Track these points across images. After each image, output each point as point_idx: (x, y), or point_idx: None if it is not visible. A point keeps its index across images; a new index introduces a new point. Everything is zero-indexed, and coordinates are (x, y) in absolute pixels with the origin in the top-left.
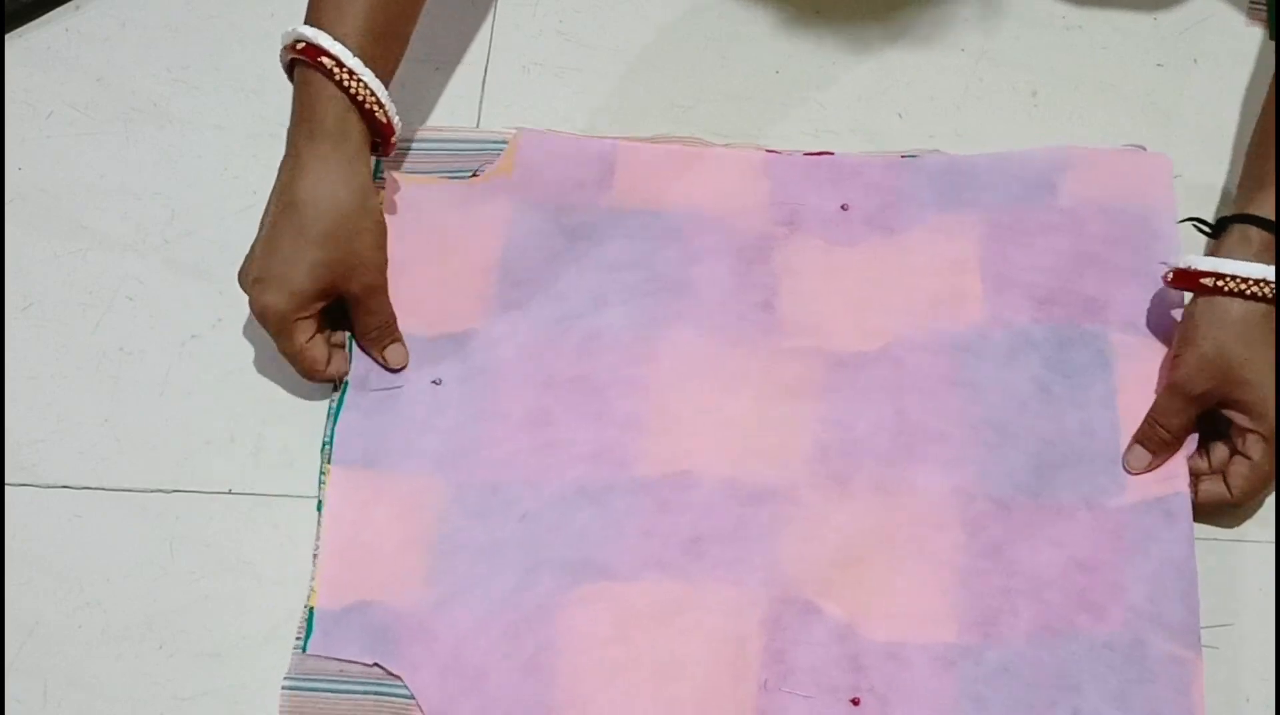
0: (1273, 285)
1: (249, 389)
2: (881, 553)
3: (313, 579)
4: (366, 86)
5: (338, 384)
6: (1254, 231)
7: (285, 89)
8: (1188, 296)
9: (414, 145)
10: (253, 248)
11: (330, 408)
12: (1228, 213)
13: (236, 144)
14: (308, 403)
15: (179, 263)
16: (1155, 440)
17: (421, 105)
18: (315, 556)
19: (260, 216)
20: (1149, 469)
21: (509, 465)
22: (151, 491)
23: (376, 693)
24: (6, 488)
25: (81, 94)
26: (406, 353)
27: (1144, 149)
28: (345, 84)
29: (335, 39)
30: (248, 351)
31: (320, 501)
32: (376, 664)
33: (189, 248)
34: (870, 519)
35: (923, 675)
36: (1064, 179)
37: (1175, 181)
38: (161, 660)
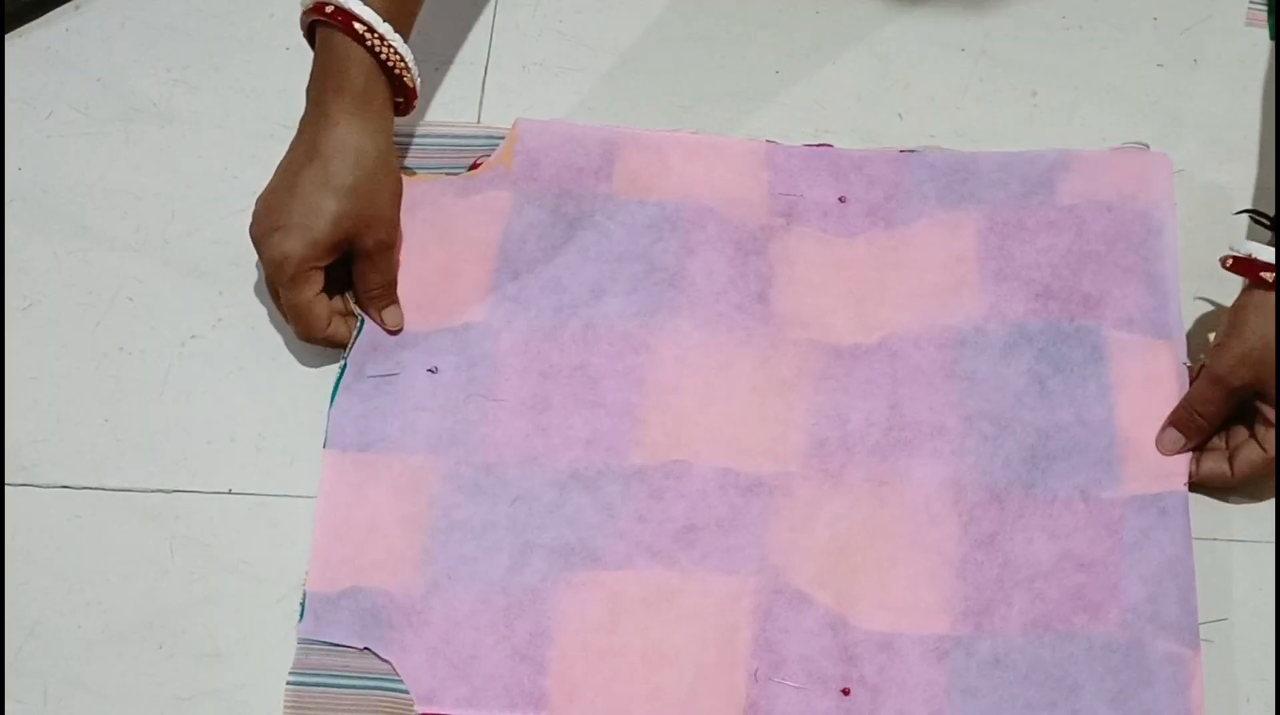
0: None
1: (249, 389)
2: (875, 543)
3: (307, 563)
4: (396, 51)
5: (344, 349)
6: None
7: (285, 89)
8: (1202, 293)
9: (414, 141)
10: (266, 199)
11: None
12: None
13: (236, 144)
14: (308, 403)
15: (179, 263)
16: (1191, 426)
17: (422, 105)
18: (311, 538)
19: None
20: (1181, 451)
21: (503, 447)
22: (151, 491)
23: (380, 687)
24: (6, 488)
25: (81, 94)
26: (402, 316)
27: (1147, 147)
28: (375, 48)
29: (364, 3)
30: (248, 351)
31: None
32: (367, 648)
33: (189, 248)
34: (864, 510)
35: (914, 666)
36: (1066, 178)
37: (1175, 178)
38: (161, 660)
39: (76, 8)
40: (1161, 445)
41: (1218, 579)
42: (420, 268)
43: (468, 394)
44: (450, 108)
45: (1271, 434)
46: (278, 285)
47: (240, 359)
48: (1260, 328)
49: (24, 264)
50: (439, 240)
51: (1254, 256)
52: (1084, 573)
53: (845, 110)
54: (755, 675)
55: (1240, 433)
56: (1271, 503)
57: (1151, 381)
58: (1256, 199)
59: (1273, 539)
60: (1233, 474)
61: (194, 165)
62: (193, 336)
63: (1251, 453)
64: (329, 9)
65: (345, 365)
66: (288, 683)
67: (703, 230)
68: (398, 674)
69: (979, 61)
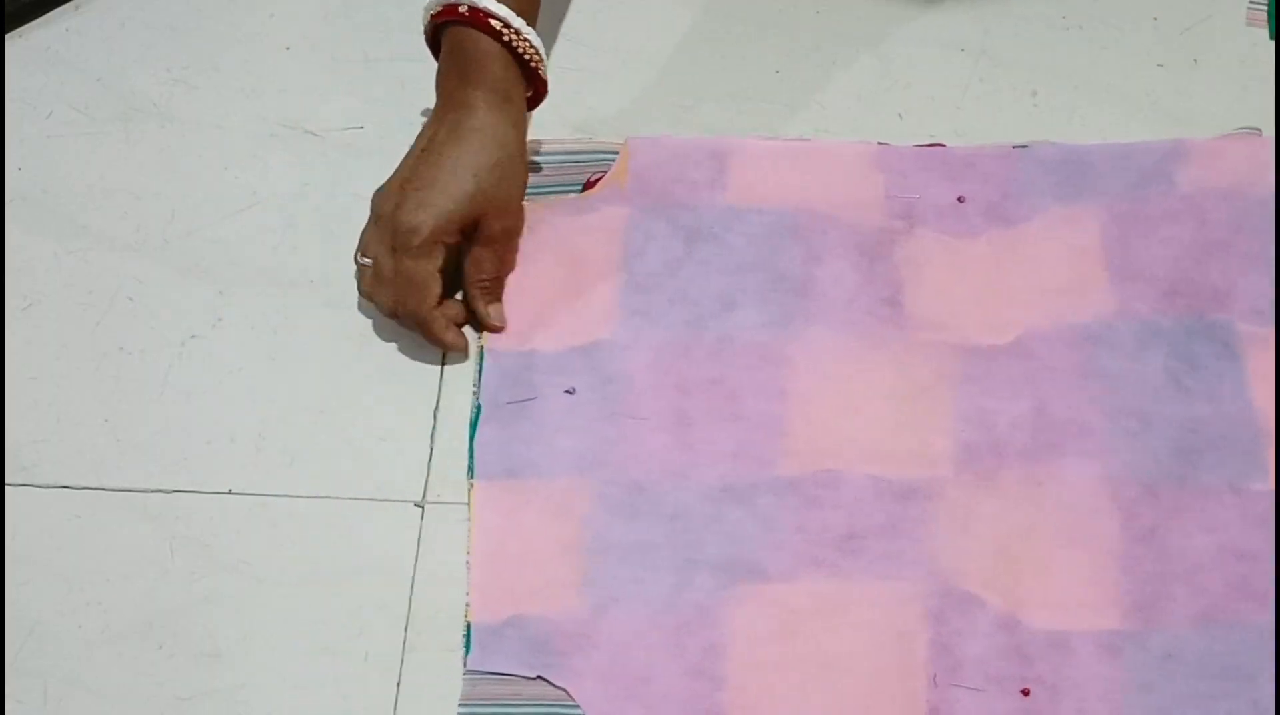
0: None
1: (249, 389)
2: (1037, 543)
3: (467, 594)
4: (531, 44)
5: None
6: None
7: (285, 89)
8: None
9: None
10: (406, 171)
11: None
12: None
13: (236, 144)
14: (308, 403)
15: (179, 263)
16: None
17: (422, 105)
18: (468, 569)
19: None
20: None
21: (650, 464)
22: (151, 491)
23: (553, 713)
24: (6, 488)
25: (81, 94)
26: (505, 317)
27: (1259, 131)
28: (511, 42)
29: (498, 1)
30: (248, 351)
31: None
32: (540, 676)
33: (189, 248)
34: (1022, 511)
35: (1089, 663)
36: (1182, 166)
37: None
38: (161, 660)
39: (76, 8)
40: None
41: None
42: (544, 289)
43: (607, 413)
44: None
45: None
46: (403, 253)
47: (240, 359)
48: None
49: (24, 264)
50: (560, 261)
51: None
52: (1244, 564)
53: (845, 110)
54: (934, 680)
55: None
56: None
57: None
58: None
59: None
60: None
61: (194, 165)
62: (193, 336)
63: None
64: (463, 9)
65: (479, 406)
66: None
67: (824, 237)
68: (572, 699)
69: (979, 61)
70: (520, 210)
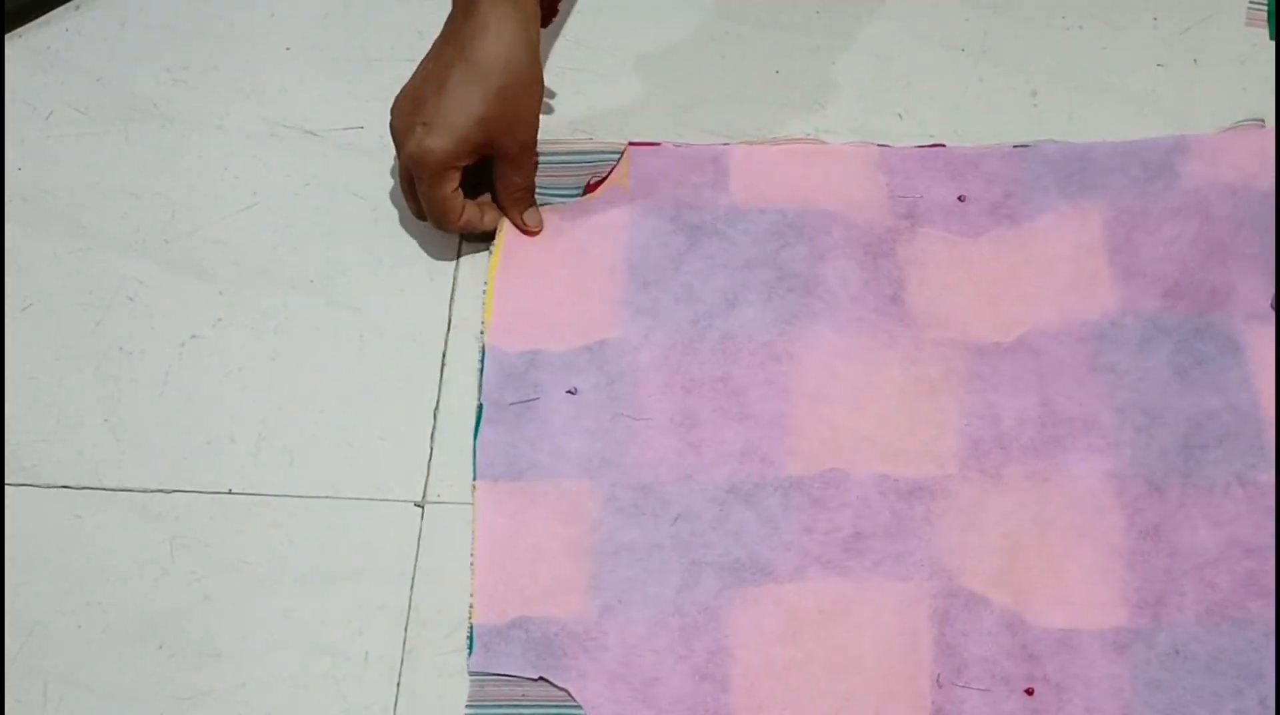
0: None
1: (249, 389)
2: (1044, 540)
3: (470, 596)
4: None
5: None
6: None
7: (285, 89)
8: None
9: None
10: (411, 94)
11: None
12: None
13: (236, 144)
14: (308, 403)
15: (179, 263)
16: None
17: None
18: (471, 571)
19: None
20: None
21: (657, 466)
22: (151, 491)
23: (558, 714)
24: (6, 488)
25: (81, 94)
26: (541, 219)
27: (1263, 123)
28: None
29: None
30: (248, 351)
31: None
32: (542, 677)
33: (189, 248)
34: (1029, 508)
35: (1096, 661)
36: (1186, 161)
37: None
38: (161, 660)
39: (76, 8)
40: None
41: None
42: (549, 290)
43: (613, 414)
44: None
45: None
46: (417, 179)
47: (240, 359)
48: None
49: (24, 264)
50: (564, 261)
51: None
52: (1253, 559)
53: (845, 110)
54: (938, 680)
55: None
56: None
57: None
58: None
59: None
60: None
61: (194, 165)
62: (193, 336)
63: None
64: None
65: (482, 406)
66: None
67: (829, 235)
68: (574, 700)
69: (979, 61)
70: (534, 123)
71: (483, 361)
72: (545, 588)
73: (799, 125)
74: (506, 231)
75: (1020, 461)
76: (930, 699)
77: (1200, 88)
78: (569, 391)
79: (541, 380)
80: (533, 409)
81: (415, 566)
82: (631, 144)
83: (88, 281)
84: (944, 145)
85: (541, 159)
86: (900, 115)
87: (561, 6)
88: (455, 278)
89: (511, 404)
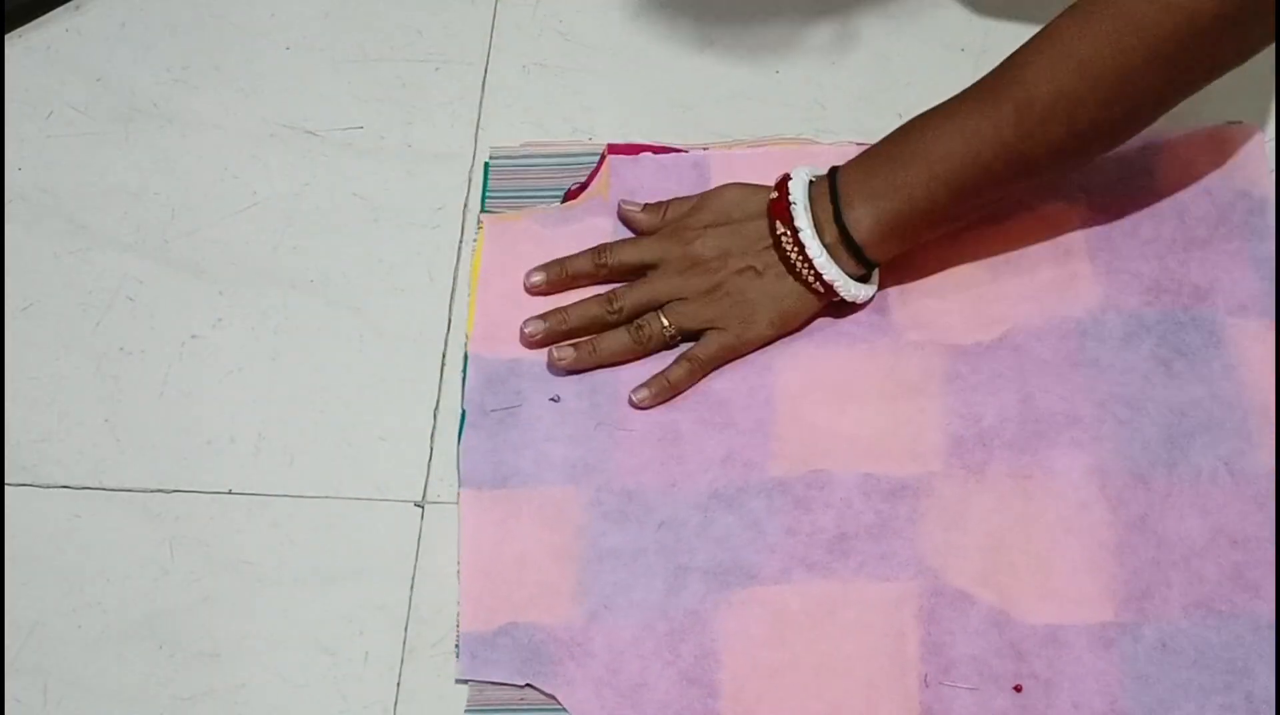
0: None
1: (249, 389)
2: (1029, 535)
3: (459, 603)
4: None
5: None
6: None
7: (285, 89)
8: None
9: (515, 161)
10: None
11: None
12: None
13: (236, 144)
14: (308, 403)
15: (179, 263)
16: None
17: (422, 105)
18: (458, 579)
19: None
20: None
21: (640, 474)
22: (151, 491)
23: None
24: (6, 488)
25: (81, 94)
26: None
27: (1240, 123)
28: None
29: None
30: (248, 351)
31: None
32: (529, 685)
33: (189, 248)
34: (1013, 505)
35: (1083, 656)
36: (1161, 161)
37: None
38: (161, 660)
39: (76, 8)
40: None
41: None
42: (530, 299)
43: (596, 422)
44: (450, 107)
45: None
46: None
47: (240, 359)
48: None
49: (24, 264)
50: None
51: None
52: (1239, 550)
53: (845, 110)
54: (926, 680)
55: None
56: None
57: (1270, 360)
58: None
59: None
60: None
61: (194, 165)
62: (193, 336)
63: None
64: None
65: (464, 410)
66: None
67: None
68: (561, 705)
69: (979, 61)
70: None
71: (465, 367)
72: (531, 594)
73: (798, 126)
74: (486, 240)
75: (1003, 458)
76: (918, 699)
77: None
78: (552, 399)
79: (523, 387)
80: (515, 416)
81: (415, 566)
82: (610, 148)
83: (88, 281)
84: None
85: (521, 161)
86: (900, 115)
87: (562, 5)
88: (455, 278)
89: (493, 411)
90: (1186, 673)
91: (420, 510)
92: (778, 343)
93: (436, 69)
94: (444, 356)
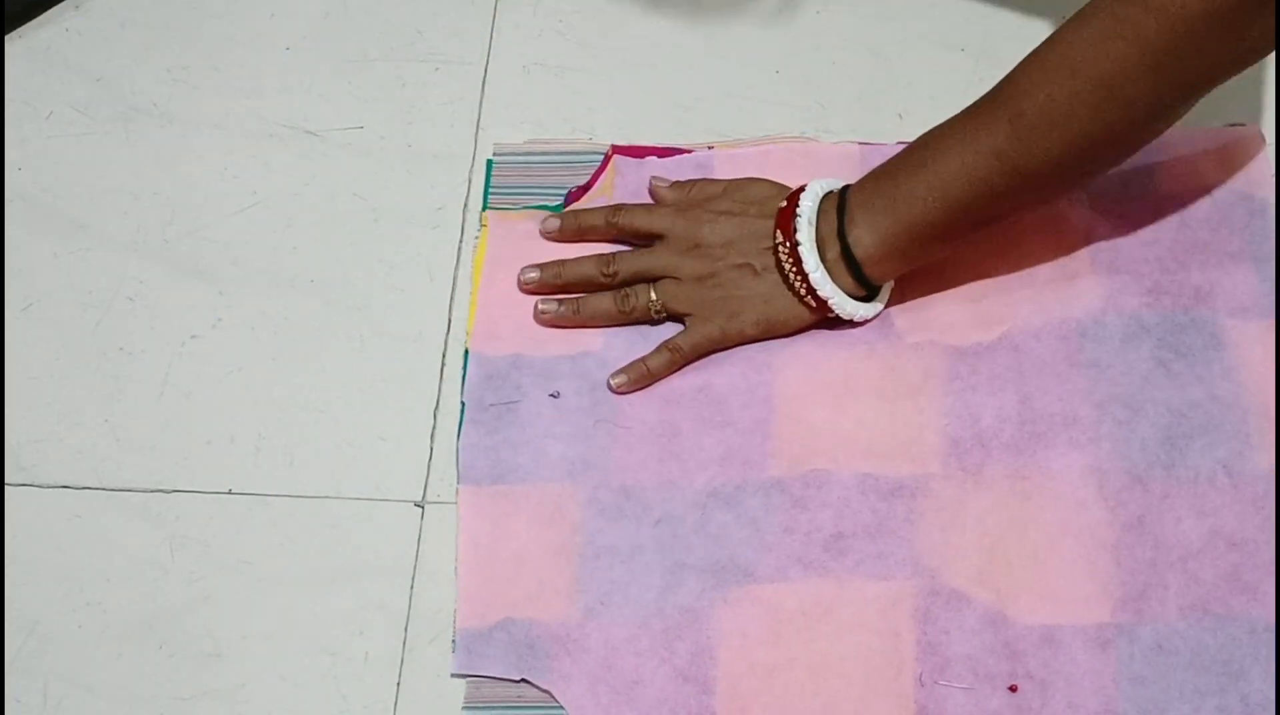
0: None
1: (249, 389)
2: (1024, 536)
3: (456, 599)
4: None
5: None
6: None
7: (285, 89)
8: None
9: (518, 159)
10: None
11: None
12: None
13: (236, 144)
14: (308, 403)
15: (179, 263)
16: None
17: (422, 105)
18: (456, 575)
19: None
20: None
21: (638, 470)
22: (151, 491)
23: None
24: (6, 488)
25: (81, 94)
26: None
27: (1242, 125)
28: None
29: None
30: (248, 351)
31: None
32: (524, 679)
33: (189, 248)
34: (1010, 505)
35: (1079, 657)
36: (1163, 162)
37: None
38: (161, 660)
39: (76, 8)
40: None
41: None
42: (531, 299)
43: (594, 419)
44: (450, 107)
45: None
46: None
47: (240, 359)
48: None
49: (24, 264)
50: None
51: None
52: (1236, 552)
53: (845, 110)
54: (921, 679)
55: None
56: None
57: (1271, 362)
58: None
59: None
60: None
61: (194, 165)
62: (193, 336)
63: None
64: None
65: (464, 404)
66: None
67: None
68: (557, 702)
69: (979, 61)
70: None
71: (465, 363)
72: (528, 591)
73: (799, 126)
74: (490, 237)
75: (1000, 460)
76: (914, 698)
77: None
78: (551, 395)
79: (523, 383)
80: (514, 411)
81: (415, 566)
82: (615, 148)
83: (88, 281)
84: None
85: (525, 158)
86: (900, 115)
87: (562, 5)
88: (455, 278)
89: (492, 406)
90: (1182, 674)
91: (420, 510)
92: (778, 342)
93: (436, 69)
94: (444, 356)
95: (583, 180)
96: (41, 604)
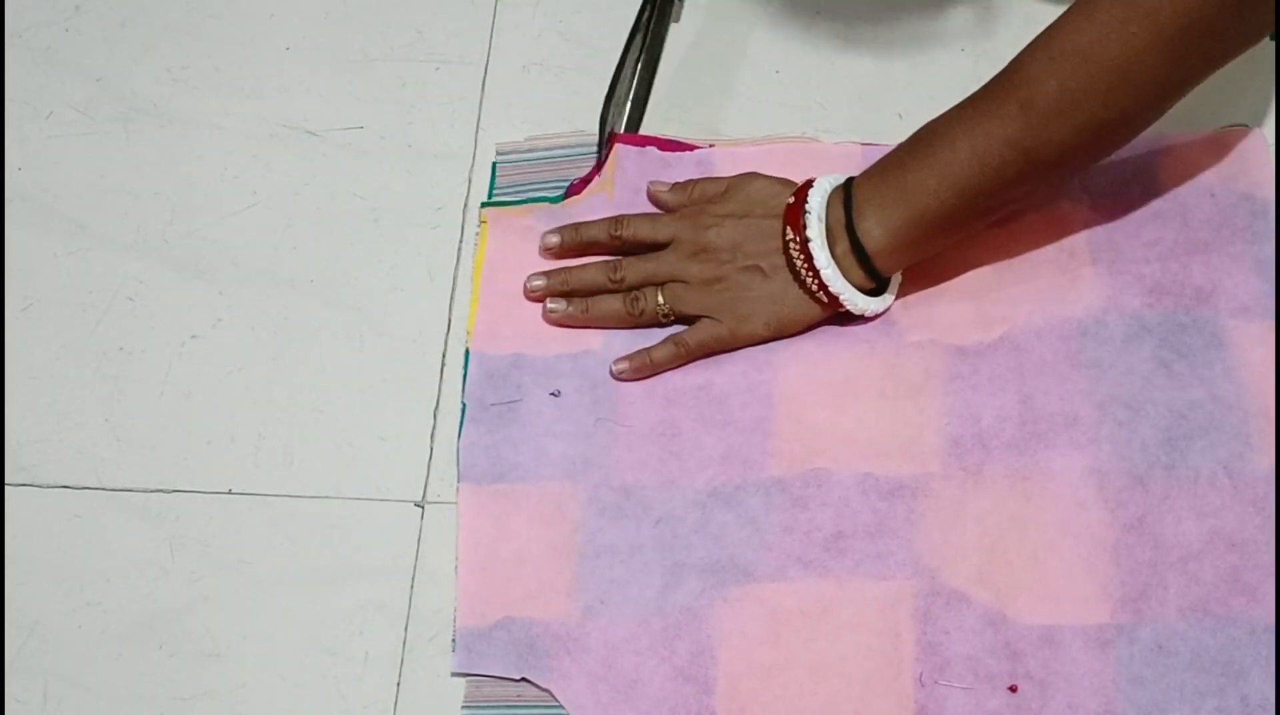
0: None
1: (249, 389)
2: (1024, 537)
3: (456, 598)
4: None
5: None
6: None
7: (285, 89)
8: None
9: (520, 156)
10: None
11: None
12: None
13: (236, 144)
14: (308, 403)
15: (179, 263)
16: None
17: (422, 105)
18: (456, 574)
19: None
20: None
21: (638, 469)
22: (151, 491)
23: (555, 714)
24: (6, 488)
25: (81, 94)
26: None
27: (1246, 127)
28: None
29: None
30: (248, 351)
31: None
32: (524, 678)
33: (189, 248)
34: (1010, 506)
35: (1079, 657)
36: (1165, 164)
37: None
38: (161, 660)
39: (76, 8)
40: None
41: None
42: (536, 303)
43: (595, 418)
44: (450, 107)
45: None
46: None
47: (240, 359)
48: None
49: (24, 264)
50: (547, 269)
51: None
52: (1236, 553)
53: (845, 110)
54: (921, 679)
55: None
56: None
57: (1272, 363)
58: None
59: None
60: None
61: (194, 165)
62: (193, 336)
63: None
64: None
65: (464, 404)
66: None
67: None
68: (557, 701)
69: (979, 62)
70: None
71: (466, 362)
72: (528, 590)
73: (799, 126)
74: (490, 237)
75: (1001, 460)
76: (913, 698)
77: (1198, 88)
78: (552, 394)
79: (524, 382)
80: (515, 410)
81: (415, 566)
82: (616, 136)
83: (88, 281)
84: None
85: (526, 155)
86: (900, 115)
87: (562, 5)
88: (455, 278)
89: (493, 405)
90: (1182, 675)
91: (420, 510)
92: (779, 341)
93: (436, 69)
94: (444, 356)
95: (584, 173)
96: (41, 604)
